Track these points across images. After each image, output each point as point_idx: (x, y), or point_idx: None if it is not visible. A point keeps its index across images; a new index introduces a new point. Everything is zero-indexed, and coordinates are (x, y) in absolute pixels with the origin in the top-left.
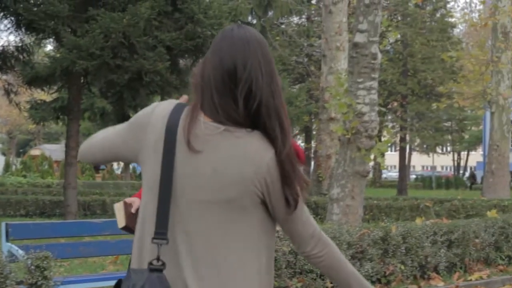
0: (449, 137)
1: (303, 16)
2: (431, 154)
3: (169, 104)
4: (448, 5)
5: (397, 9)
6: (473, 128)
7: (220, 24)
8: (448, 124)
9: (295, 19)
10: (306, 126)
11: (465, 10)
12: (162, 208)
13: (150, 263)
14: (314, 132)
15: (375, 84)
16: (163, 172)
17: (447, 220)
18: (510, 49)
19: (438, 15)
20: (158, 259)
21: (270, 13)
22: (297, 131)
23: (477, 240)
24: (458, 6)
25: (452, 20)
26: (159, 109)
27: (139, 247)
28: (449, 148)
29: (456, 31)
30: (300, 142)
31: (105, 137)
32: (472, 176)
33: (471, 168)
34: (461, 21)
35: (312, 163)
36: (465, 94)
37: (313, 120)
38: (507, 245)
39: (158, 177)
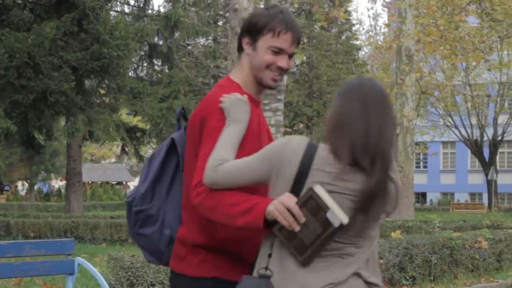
0: None
1: (210, 38)
2: None
3: (302, 140)
4: (354, 28)
5: (303, 31)
6: None
7: (126, 44)
8: None
9: (201, 40)
10: None
11: (370, 33)
12: None
13: (261, 272)
14: None
15: (281, 105)
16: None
17: None
18: (414, 72)
19: (343, 37)
20: (266, 267)
21: (177, 34)
22: None
23: (381, 261)
24: (363, 28)
25: (357, 42)
26: (293, 143)
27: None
28: None
29: (361, 53)
30: None
31: (239, 168)
32: None
33: None
34: (366, 43)
35: None
36: None
37: None
38: (411, 265)
39: None
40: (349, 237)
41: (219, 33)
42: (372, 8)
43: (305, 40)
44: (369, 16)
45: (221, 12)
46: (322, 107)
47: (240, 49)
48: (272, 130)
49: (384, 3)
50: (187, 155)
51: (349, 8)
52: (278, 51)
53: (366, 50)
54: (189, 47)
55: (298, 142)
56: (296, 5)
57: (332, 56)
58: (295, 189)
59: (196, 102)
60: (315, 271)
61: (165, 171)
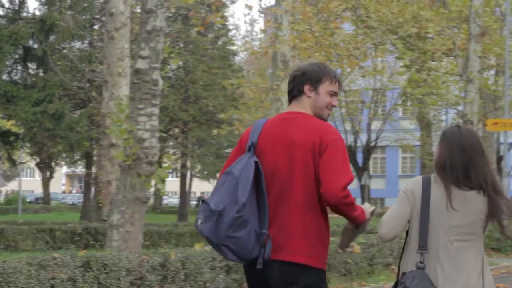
0: None
1: (86, 42)
2: (212, 180)
3: (418, 178)
4: (230, 33)
5: (179, 36)
6: None
7: (0, 48)
8: (228, 150)
9: (77, 44)
10: (87, 152)
11: (247, 39)
12: (423, 233)
13: (418, 265)
14: (95, 158)
15: (156, 110)
16: (422, 214)
17: None
18: None
19: (220, 42)
20: (421, 262)
21: (52, 38)
22: (77, 157)
23: None
24: (239, 34)
25: (234, 48)
26: (413, 182)
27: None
28: None
29: (237, 59)
30: (81, 168)
31: (394, 215)
32: None
33: None
34: (242, 49)
35: (93, 189)
36: (245, 121)
37: (94, 146)
38: None
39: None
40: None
41: (95, 37)
42: (248, 14)
43: (181, 45)
44: (245, 22)
45: (97, 16)
46: (197, 112)
47: (299, 93)
48: (147, 135)
49: (260, 9)
50: (306, 166)
51: (225, 14)
52: (333, 94)
53: (243, 56)
54: (65, 51)
55: (418, 178)
56: (173, 10)
57: (208, 61)
58: (424, 212)
59: (71, 106)
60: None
61: (252, 186)
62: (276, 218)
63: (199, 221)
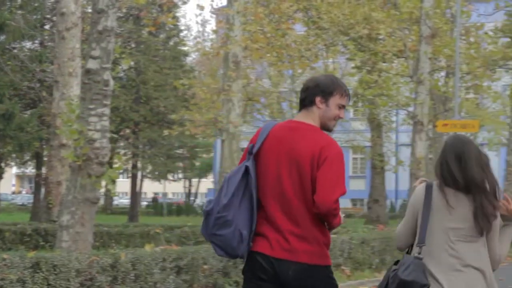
0: (181, 164)
1: (36, 41)
2: (162, 181)
3: (422, 186)
4: (182, 34)
5: (130, 36)
6: (204, 155)
7: None
8: (180, 151)
9: (28, 44)
10: (37, 152)
11: (198, 39)
12: (423, 229)
13: (416, 255)
14: (45, 159)
15: (107, 110)
16: (423, 215)
17: (177, 246)
18: (241, 78)
19: (171, 43)
20: (419, 253)
21: (2, 38)
22: (27, 158)
23: (205, 266)
24: (191, 35)
25: (185, 48)
26: (417, 190)
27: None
28: (180, 175)
29: (189, 59)
30: (31, 169)
31: (402, 232)
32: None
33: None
34: (193, 49)
35: (43, 189)
36: (196, 121)
37: (44, 146)
38: (235, 271)
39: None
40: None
41: (46, 37)
42: (200, 14)
43: (133, 45)
44: (197, 22)
45: (48, 16)
46: (149, 112)
47: (310, 104)
48: (97, 135)
49: (212, 10)
50: (305, 175)
51: (177, 14)
52: (341, 107)
53: (194, 56)
54: (15, 51)
55: (423, 185)
56: (124, 10)
57: (159, 61)
58: (426, 212)
59: (21, 107)
60: None
61: (239, 189)
62: (280, 222)
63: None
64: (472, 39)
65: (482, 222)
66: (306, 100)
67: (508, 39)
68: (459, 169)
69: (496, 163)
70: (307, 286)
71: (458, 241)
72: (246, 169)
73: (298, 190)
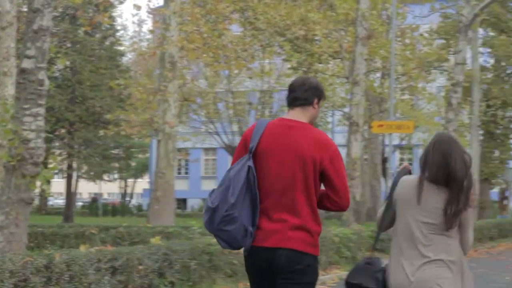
0: (117, 164)
1: None
2: (98, 181)
3: (409, 177)
4: (118, 34)
5: (66, 35)
6: (140, 155)
7: None
8: (115, 151)
9: None
10: None
11: (134, 39)
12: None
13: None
14: None
15: (42, 110)
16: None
17: (112, 247)
18: (177, 79)
19: (107, 43)
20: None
21: None
22: None
23: (140, 267)
24: (127, 35)
25: (121, 48)
26: (404, 181)
27: None
28: (116, 176)
29: (125, 59)
30: None
31: (385, 211)
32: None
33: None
34: (130, 49)
35: None
36: (132, 122)
37: None
38: (170, 271)
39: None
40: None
41: None
42: (137, 14)
43: (69, 45)
44: (133, 22)
45: None
46: (84, 112)
47: (308, 103)
48: (32, 135)
49: (149, 10)
50: (308, 172)
51: (113, 14)
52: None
53: (130, 56)
54: None
55: (411, 177)
56: (60, 9)
57: (95, 61)
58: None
59: None
60: None
61: (243, 187)
62: (283, 214)
63: (203, 211)
64: (407, 41)
65: (452, 218)
66: (306, 100)
67: (443, 41)
68: (444, 166)
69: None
70: (295, 272)
71: (429, 233)
72: (249, 169)
73: (301, 185)
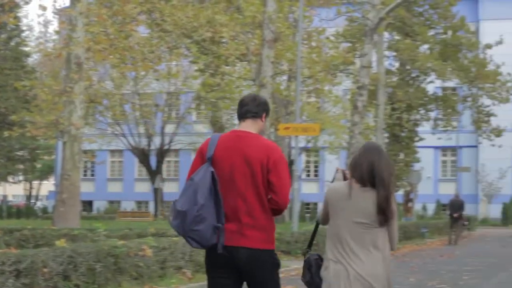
0: (21, 166)
1: None
2: (3, 183)
3: (338, 183)
4: (23, 34)
5: None
6: (45, 157)
7: None
8: (20, 153)
9: None
10: None
11: (40, 40)
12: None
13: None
14: None
15: None
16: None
17: (16, 249)
18: (83, 80)
19: (12, 43)
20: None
21: None
22: None
23: (45, 270)
24: (33, 35)
25: (27, 49)
26: (332, 187)
27: None
28: (21, 177)
29: (30, 60)
30: None
31: (322, 213)
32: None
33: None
34: (35, 50)
35: None
36: (38, 123)
37: None
38: (75, 274)
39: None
40: None
41: None
42: (42, 14)
43: None
44: (39, 23)
45: None
46: None
47: (258, 116)
48: None
49: (55, 10)
50: (256, 175)
51: (19, 14)
52: None
53: (36, 57)
54: None
55: (338, 183)
56: None
57: (0, 62)
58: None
59: None
60: None
61: (209, 191)
62: (238, 215)
63: (171, 218)
64: (314, 44)
65: (383, 216)
66: (256, 113)
67: (349, 44)
68: (371, 173)
69: (337, 166)
70: (256, 268)
71: (363, 230)
72: (212, 175)
73: (251, 188)
